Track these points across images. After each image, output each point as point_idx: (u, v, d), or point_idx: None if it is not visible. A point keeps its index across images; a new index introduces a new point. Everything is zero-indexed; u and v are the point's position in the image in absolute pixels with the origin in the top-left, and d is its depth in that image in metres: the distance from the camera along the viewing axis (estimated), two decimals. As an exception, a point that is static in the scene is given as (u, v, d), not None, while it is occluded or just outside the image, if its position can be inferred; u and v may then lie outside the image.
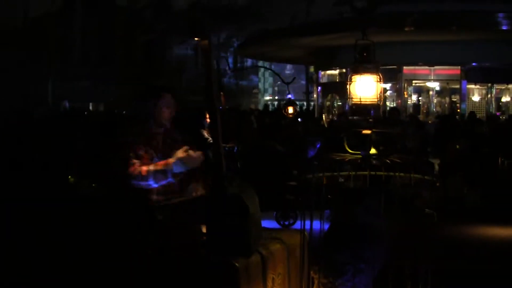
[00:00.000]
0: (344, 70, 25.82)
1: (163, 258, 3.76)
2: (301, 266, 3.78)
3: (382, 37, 21.11)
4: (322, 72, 28.00)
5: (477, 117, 17.37)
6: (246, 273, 3.65)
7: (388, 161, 3.57)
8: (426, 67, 23.41)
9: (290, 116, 12.15)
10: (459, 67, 22.95)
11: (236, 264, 3.62)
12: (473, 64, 22.89)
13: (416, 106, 24.84)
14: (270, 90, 60.19)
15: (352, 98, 3.84)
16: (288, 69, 47.79)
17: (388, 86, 25.37)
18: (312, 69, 36.69)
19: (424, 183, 3.44)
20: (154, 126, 4.28)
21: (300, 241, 3.83)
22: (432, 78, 23.58)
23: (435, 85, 24.30)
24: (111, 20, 35.30)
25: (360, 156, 3.68)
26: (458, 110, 23.28)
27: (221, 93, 11.43)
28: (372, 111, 3.71)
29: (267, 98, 58.23)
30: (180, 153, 4.11)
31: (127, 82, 35.16)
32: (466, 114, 19.94)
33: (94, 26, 34.61)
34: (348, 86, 3.83)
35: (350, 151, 3.73)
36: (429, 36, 20.57)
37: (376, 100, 3.75)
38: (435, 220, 3.36)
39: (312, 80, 24.99)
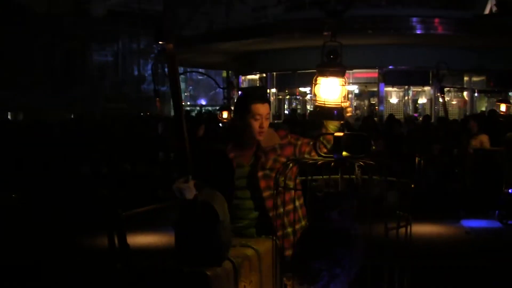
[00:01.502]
0: (264, 75, 25.91)
1: (132, 271, 3.55)
2: (274, 273, 3.62)
3: (299, 42, 21.37)
4: (243, 77, 28.01)
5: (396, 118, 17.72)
6: (217, 282, 3.52)
7: (362, 163, 3.48)
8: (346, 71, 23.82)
9: (225, 121, 11.99)
10: (377, 70, 23.39)
11: (207, 273, 3.47)
12: (390, 67, 23.38)
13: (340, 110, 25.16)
14: (182, 96, 59.49)
15: (316, 100, 3.75)
16: (201, 75, 47.43)
17: (307, 89, 25.64)
18: (224, 73, 36.70)
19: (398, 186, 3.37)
20: None
21: (272, 247, 3.68)
22: (351, 81, 23.94)
23: (354, 88, 24.68)
24: (30, 27, 34.25)
25: (333, 159, 3.57)
26: (376, 111, 23.72)
27: (157, 99, 11.19)
28: (336, 114, 3.63)
29: (175, 104, 57.46)
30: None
31: (47, 90, 34.15)
32: (385, 116, 20.36)
33: (12, 34, 33.45)
34: (312, 88, 3.73)
35: (322, 154, 3.62)
36: (347, 40, 20.85)
37: (340, 103, 3.67)
38: (410, 222, 3.29)
39: (232, 85, 24.91)
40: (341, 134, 3.52)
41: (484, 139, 12.28)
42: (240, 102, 4.53)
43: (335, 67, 3.78)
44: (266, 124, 4.37)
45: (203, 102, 60.95)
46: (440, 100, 23.92)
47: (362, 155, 3.45)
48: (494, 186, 11.36)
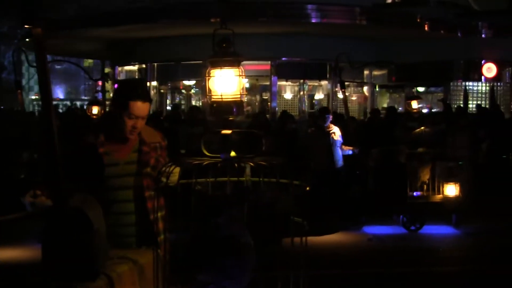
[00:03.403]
0: (144, 66, 25.67)
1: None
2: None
3: (183, 29, 21.33)
4: (119, 68, 27.61)
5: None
6: (91, 299, 3.48)
7: (252, 164, 3.56)
8: (235, 62, 23.89)
9: (95, 117, 11.84)
10: (269, 62, 23.65)
11: (79, 290, 3.44)
12: (284, 59, 23.71)
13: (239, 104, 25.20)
14: (36, 88, 57.19)
15: (211, 95, 3.77)
16: (66, 64, 46.23)
17: (192, 83, 25.64)
18: (87, 62, 35.97)
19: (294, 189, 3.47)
20: None
21: (153, 259, 3.70)
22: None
23: (244, 82, 24.78)
24: None
25: (220, 159, 3.63)
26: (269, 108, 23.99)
27: (19, 91, 10.90)
28: (235, 109, 3.67)
29: (33, 97, 55.87)
30: None
31: None
32: (278, 112, 20.65)
33: None
34: (206, 82, 3.77)
35: (208, 154, 3.67)
36: (236, 28, 20.91)
37: (238, 96, 3.72)
38: (306, 230, 3.40)
39: (108, 77, 24.53)
40: (229, 131, 3.58)
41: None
42: (119, 95, 4.54)
43: (229, 57, 3.82)
44: (141, 124, 4.41)
45: (60, 96, 59.14)
46: (340, 96, 24.67)
47: (252, 155, 3.52)
48: (398, 189, 11.80)
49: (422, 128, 12.53)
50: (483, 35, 24.59)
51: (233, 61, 3.75)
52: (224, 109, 3.70)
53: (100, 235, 3.65)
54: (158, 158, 4.45)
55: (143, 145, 4.46)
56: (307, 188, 3.57)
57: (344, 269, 9.04)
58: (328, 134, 12.15)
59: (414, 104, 14.45)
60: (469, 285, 8.44)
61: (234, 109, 3.71)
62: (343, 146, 12.31)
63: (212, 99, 3.71)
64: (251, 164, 3.55)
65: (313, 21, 21.25)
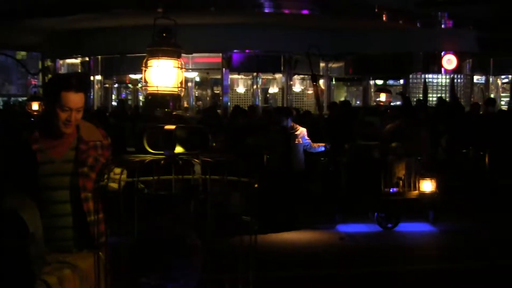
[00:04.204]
0: (87, 59, 25.43)
1: None
2: (97, 294, 3.63)
3: (128, 20, 21.16)
4: (61, 61, 27.28)
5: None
6: (27, 308, 3.45)
7: (198, 161, 3.55)
8: (183, 55, 23.76)
9: (35, 113, 11.68)
10: (220, 54, 23.66)
11: (14, 299, 3.41)
12: (235, 51, 23.73)
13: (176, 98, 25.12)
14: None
15: (148, 86, 3.76)
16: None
17: (139, 76, 25.46)
18: (20, 55, 35.26)
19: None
20: None
21: (94, 264, 3.67)
22: (190, 67, 23.99)
23: (194, 76, 24.75)
24: None
25: (164, 156, 3.61)
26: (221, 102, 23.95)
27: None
28: (171, 103, 3.67)
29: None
30: None
31: None
32: (231, 107, 20.63)
33: None
34: (143, 73, 3.75)
35: (151, 150, 3.65)
36: (185, 19, 20.87)
37: (177, 89, 3.72)
38: (255, 228, 3.40)
39: (48, 71, 24.24)
40: (173, 127, 3.57)
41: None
42: (49, 87, 4.50)
43: (169, 47, 3.81)
44: (75, 117, 4.36)
45: (35, 91, 57.77)
46: (295, 89, 24.79)
47: (197, 152, 3.51)
48: (372, 185, 11.78)
49: (397, 122, 12.61)
50: (442, 26, 24.94)
51: (172, 52, 3.75)
52: (159, 102, 3.69)
53: (37, 239, 3.61)
54: (98, 157, 4.40)
55: (81, 143, 4.41)
56: (255, 186, 3.57)
57: (314, 269, 9.04)
58: (290, 136, 12.15)
59: (383, 97, 14.55)
60: (446, 284, 8.51)
61: (171, 103, 3.70)
62: (313, 144, 12.30)
63: (148, 91, 3.70)
64: (198, 161, 3.54)
65: (266, 11, 21.26)
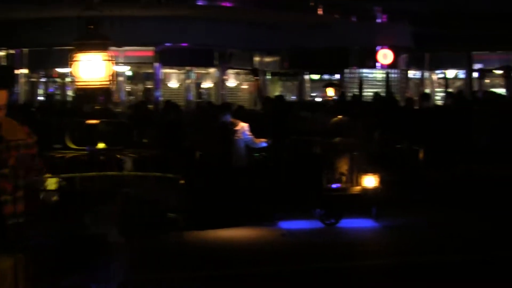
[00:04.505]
0: (12, 52, 24.92)
1: None
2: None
3: (55, 11, 20.79)
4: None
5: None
6: None
7: (121, 157, 3.53)
8: (114, 48, 23.46)
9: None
10: (152, 48, 23.49)
11: None
12: (168, 44, 23.58)
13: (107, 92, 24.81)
14: None
15: (76, 81, 3.71)
16: None
17: (67, 70, 25.06)
18: None
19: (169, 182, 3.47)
20: None
21: (14, 265, 3.60)
22: (121, 61, 23.69)
23: (125, 70, 24.46)
24: None
25: (86, 152, 3.58)
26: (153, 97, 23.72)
27: None
28: (102, 97, 3.63)
29: None
30: None
31: None
32: (161, 102, 20.48)
33: None
34: (71, 67, 3.70)
35: (74, 146, 3.61)
36: (115, 11, 20.59)
37: (107, 83, 3.67)
38: (182, 225, 3.39)
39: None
40: (96, 121, 3.53)
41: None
42: None
43: (96, 40, 3.76)
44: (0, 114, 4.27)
45: None
46: (229, 84, 24.75)
47: (120, 147, 3.49)
48: (313, 181, 11.85)
49: (340, 117, 12.68)
50: (377, 20, 25.22)
51: (100, 45, 3.71)
52: (90, 97, 3.65)
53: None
54: (21, 157, 4.29)
55: (2, 142, 4.30)
56: (182, 182, 3.57)
57: (254, 267, 9.01)
58: (229, 131, 12.13)
59: (331, 92, 14.65)
60: (389, 279, 8.57)
61: (102, 97, 3.66)
62: (255, 140, 12.30)
63: (76, 86, 3.65)
64: (119, 156, 3.52)
65: (199, 3, 21.20)
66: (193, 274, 7.44)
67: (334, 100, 15.06)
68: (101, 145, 3.35)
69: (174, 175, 3.39)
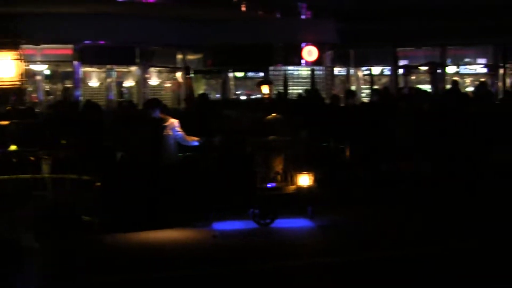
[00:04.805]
0: None
1: None
2: None
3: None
4: None
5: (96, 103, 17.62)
6: None
7: (33, 158, 3.48)
8: (30, 46, 23.02)
9: None
10: (71, 46, 23.25)
11: None
12: (87, 42, 23.39)
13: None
14: None
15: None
16: None
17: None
18: None
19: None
20: None
21: None
22: (38, 59, 23.32)
23: (43, 69, 24.09)
24: None
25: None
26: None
27: None
28: (14, 97, 3.56)
29: None
30: None
31: None
32: (82, 102, 20.22)
33: None
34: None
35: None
36: (33, 7, 20.28)
37: (18, 82, 3.61)
38: (96, 228, 3.35)
39: None
40: (6, 122, 3.48)
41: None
42: None
43: (5, 38, 3.69)
44: None
45: None
46: (151, 83, 24.58)
47: (35, 149, 3.44)
48: (245, 180, 11.81)
49: (274, 115, 12.67)
50: (302, 16, 25.38)
51: (8, 43, 3.65)
52: (1, 96, 3.58)
53: None
54: None
55: None
56: (98, 184, 3.54)
57: (183, 269, 8.94)
58: (159, 127, 12.03)
59: (266, 89, 14.67)
60: (323, 279, 8.60)
61: (13, 97, 3.60)
62: (187, 137, 12.21)
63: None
64: (32, 158, 3.47)
65: (119, 0, 21.02)
66: (119, 277, 7.42)
67: (270, 98, 15.07)
68: (13, 147, 3.28)
69: (89, 177, 3.35)
